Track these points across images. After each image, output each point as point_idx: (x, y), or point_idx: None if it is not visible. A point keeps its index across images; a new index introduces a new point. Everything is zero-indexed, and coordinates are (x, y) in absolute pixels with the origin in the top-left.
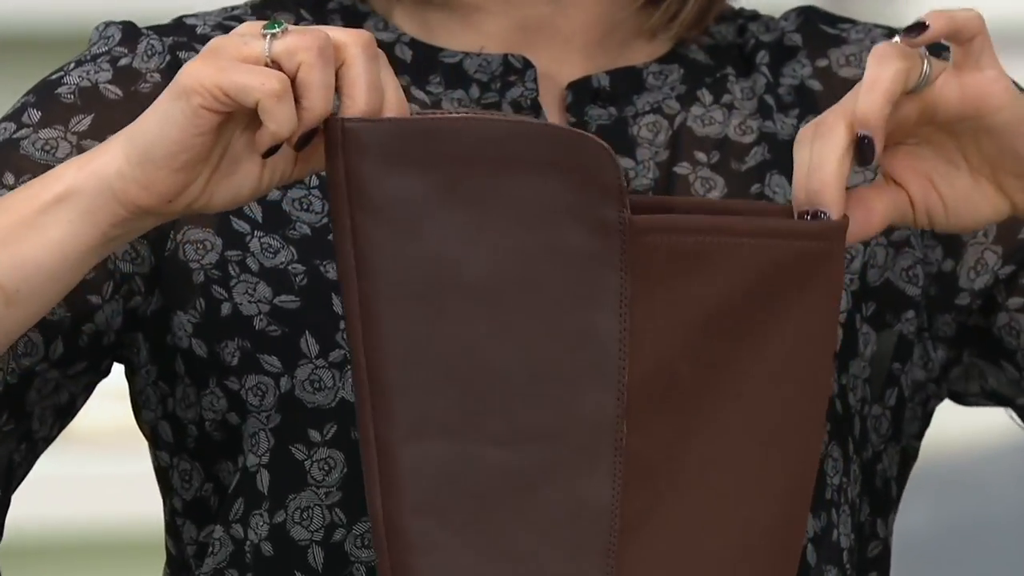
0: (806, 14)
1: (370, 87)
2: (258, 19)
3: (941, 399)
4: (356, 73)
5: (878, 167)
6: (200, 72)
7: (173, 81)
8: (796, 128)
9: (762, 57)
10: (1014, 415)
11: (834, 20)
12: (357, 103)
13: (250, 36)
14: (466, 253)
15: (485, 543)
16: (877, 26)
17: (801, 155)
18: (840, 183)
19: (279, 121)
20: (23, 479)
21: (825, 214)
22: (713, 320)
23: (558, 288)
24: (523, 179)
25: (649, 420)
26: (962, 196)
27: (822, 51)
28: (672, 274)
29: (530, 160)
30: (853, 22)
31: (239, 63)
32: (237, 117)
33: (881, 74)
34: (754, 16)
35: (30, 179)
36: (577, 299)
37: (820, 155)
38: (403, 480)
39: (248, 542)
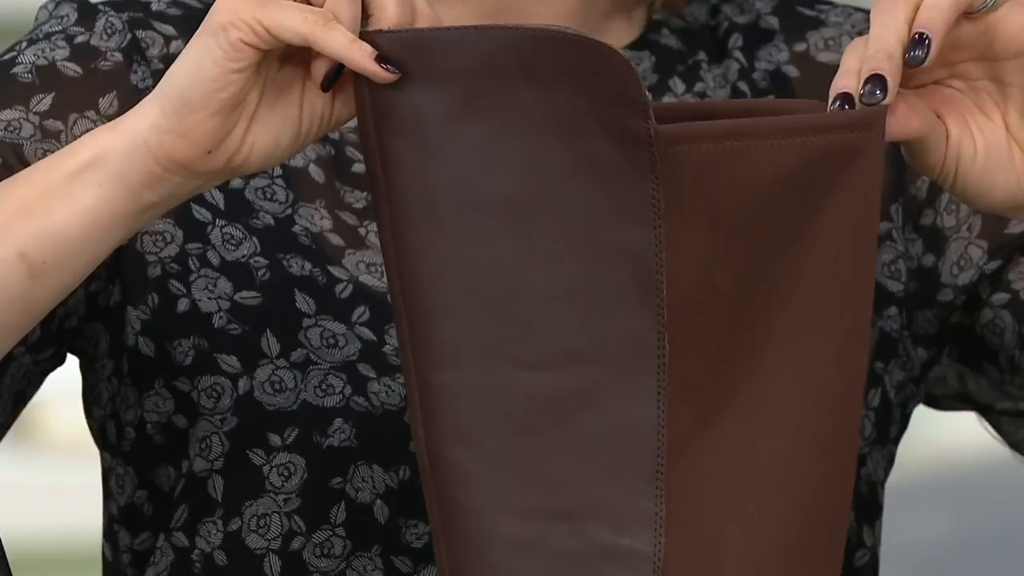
0: None
1: (399, 0)
2: None
3: (919, 401)
4: None
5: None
6: (238, 6)
7: (204, 22)
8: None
9: (735, 41)
10: (987, 424)
11: (812, 1)
12: (387, 14)
13: None
14: (492, 168)
15: (526, 471)
16: (858, 9)
17: (854, 51)
18: (899, 52)
19: (334, 45)
20: None
21: (855, 100)
22: (750, 227)
23: (588, 202)
24: (544, 89)
25: (691, 334)
26: (993, 151)
27: (800, 34)
28: (704, 183)
29: (550, 69)
30: (832, 4)
31: (275, 0)
32: (269, 59)
33: None
34: None
35: None
36: (608, 213)
37: (883, 25)
38: (441, 409)
39: (197, 551)
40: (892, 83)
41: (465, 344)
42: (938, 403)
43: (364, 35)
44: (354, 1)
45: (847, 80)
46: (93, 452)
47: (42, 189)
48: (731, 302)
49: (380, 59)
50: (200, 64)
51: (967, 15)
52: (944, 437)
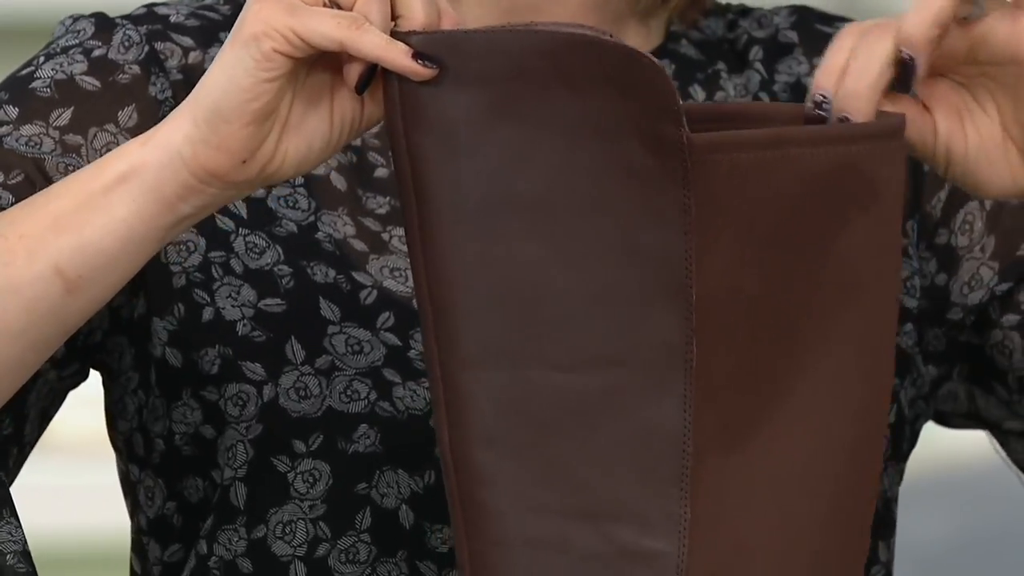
0: (799, 12)
1: (426, 1)
2: (230, 7)
3: (928, 418)
4: None
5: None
6: (270, 16)
7: (234, 31)
8: None
9: (755, 53)
10: (995, 442)
11: (830, 19)
12: (415, 15)
13: None
14: (522, 170)
15: (552, 472)
16: None
17: (840, 49)
18: (874, 94)
19: (370, 47)
20: (11, 484)
21: (846, 119)
22: (779, 235)
23: (619, 206)
24: (578, 93)
25: (719, 340)
26: (987, 146)
27: (819, 50)
28: (734, 190)
29: (585, 74)
30: (849, 20)
31: (305, 6)
32: (300, 65)
33: None
34: (743, 11)
35: (20, 174)
36: (640, 218)
37: (861, 61)
38: (467, 410)
39: (215, 558)
40: (863, 120)
41: (492, 344)
42: (947, 420)
43: (395, 36)
44: (383, 3)
45: (826, 79)
46: (102, 454)
47: (76, 203)
48: (761, 309)
49: (417, 56)
50: (232, 75)
51: (958, 22)
52: (943, 437)
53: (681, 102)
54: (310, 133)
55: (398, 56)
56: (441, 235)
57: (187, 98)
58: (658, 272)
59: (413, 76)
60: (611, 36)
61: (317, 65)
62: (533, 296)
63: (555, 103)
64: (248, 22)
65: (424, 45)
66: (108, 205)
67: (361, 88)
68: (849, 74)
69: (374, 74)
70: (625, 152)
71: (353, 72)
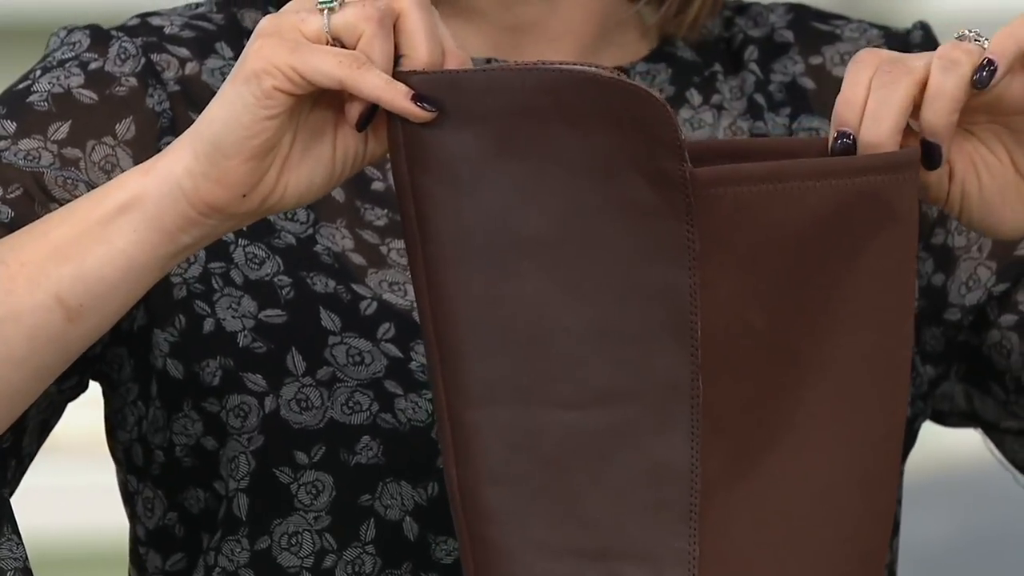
0: (796, 11)
1: (429, 38)
2: (224, 16)
3: (926, 417)
4: (413, 24)
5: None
6: (272, 53)
7: (237, 67)
8: (787, 129)
9: (751, 53)
10: (990, 443)
11: (826, 17)
12: (419, 55)
13: (305, 12)
14: (526, 209)
15: (561, 510)
16: (873, 25)
17: (856, 84)
18: (896, 137)
19: (370, 87)
20: (11, 496)
21: (856, 139)
22: (786, 268)
23: (623, 243)
24: (581, 130)
25: (725, 375)
26: (1000, 190)
27: (815, 48)
28: (739, 225)
29: (587, 111)
30: (846, 19)
31: (308, 43)
32: (302, 102)
33: (946, 83)
34: (740, 8)
35: (19, 189)
36: (644, 254)
37: (882, 105)
38: (475, 448)
39: (218, 568)
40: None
41: (498, 383)
42: (944, 419)
43: (397, 76)
44: (386, 42)
45: (849, 114)
46: (102, 455)
47: (77, 232)
48: (768, 343)
49: (416, 98)
50: (233, 111)
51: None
52: (943, 437)
53: (687, 138)
54: (311, 168)
55: (397, 97)
56: (446, 274)
57: (189, 129)
58: (663, 308)
59: (412, 118)
60: (609, 71)
61: (320, 101)
62: (539, 334)
63: (557, 140)
64: (250, 59)
65: (425, 85)
66: (109, 235)
67: (361, 126)
68: (868, 117)
69: (375, 112)
70: (628, 187)
71: (354, 110)
